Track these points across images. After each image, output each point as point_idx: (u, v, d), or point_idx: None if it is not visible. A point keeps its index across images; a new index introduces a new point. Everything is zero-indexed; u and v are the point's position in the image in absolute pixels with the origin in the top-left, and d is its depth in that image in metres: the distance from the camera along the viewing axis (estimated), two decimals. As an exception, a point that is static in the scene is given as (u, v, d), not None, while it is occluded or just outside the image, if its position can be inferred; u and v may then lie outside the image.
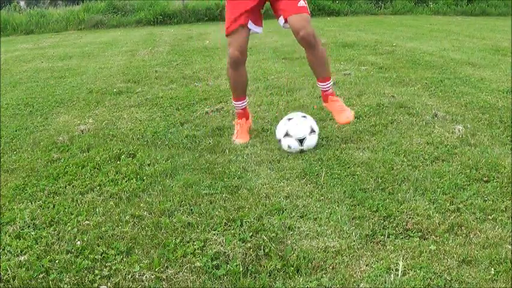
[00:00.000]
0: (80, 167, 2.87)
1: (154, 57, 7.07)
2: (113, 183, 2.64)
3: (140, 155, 3.00)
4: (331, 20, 12.88)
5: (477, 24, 11.19)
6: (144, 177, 2.68)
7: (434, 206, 2.28)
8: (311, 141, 2.98)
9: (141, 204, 2.38)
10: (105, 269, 1.87)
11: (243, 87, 3.28)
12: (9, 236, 2.14)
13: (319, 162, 2.81)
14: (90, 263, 1.91)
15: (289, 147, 2.96)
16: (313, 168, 2.73)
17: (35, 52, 8.36)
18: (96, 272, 1.86)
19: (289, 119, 3.03)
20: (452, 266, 1.84)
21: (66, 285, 1.80)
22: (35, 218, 2.28)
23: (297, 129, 2.95)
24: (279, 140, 3.01)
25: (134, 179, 2.66)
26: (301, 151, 2.96)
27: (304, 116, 3.07)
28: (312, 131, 2.98)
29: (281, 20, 3.04)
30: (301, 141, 2.93)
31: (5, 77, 5.95)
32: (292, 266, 1.86)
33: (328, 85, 3.20)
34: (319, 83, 3.22)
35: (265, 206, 2.32)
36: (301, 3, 3.00)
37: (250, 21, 3.04)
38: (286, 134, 2.95)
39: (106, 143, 3.28)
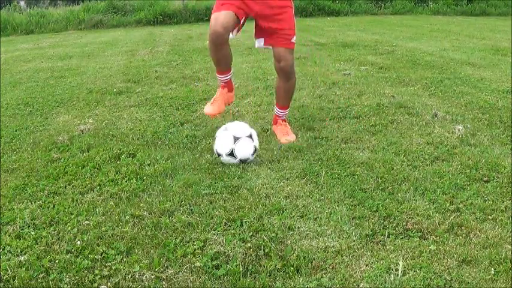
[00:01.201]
0: (80, 167, 2.87)
1: (154, 57, 7.07)
2: (113, 183, 2.64)
3: (140, 155, 3.00)
4: (331, 20, 12.88)
5: (477, 24, 11.20)
6: (144, 177, 2.68)
7: (434, 206, 2.28)
8: (252, 159, 2.90)
9: (141, 204, 2.38)
10: (105, 269, 1.87)
11: (227, 62, 3.11)
12: (9, 236, 2.14)
13: (319, 162, 2.81)
14: (90, 263, 1.91)
15: (228, 162, 2.86)
16: (313, 168, 2.73)
17: (35, 52, 8.36)
18: (96, 272, 1.86)
19: (236, 139, 2.84)
20: (452, 266, 1.84)
21: (66, 285, 1.80)
22: (35, 218, 2.28)
23: (242, 151, 2.84)
24: (219, 155, 2.87)
25: (134, 179, 2.66)
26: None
27: (250, 135, 2.90)
28: (254, 151, 2.88)
29: (261, 42, 3.04)
30: (243, 161, 2.85)
31: (5, 77, 5.95)
32: (292, 266, 1.86)
33: (284, 113, 3.31)
34: (277, 109, 3.31)
35: (265, 206, 2.32)
36: (294, 39, 3.03)
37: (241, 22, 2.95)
38: (231, 154, 2.83)
39: (106, 143, 3.28)
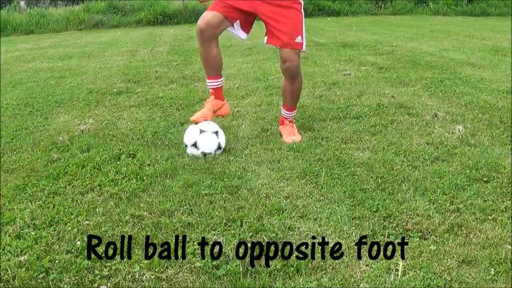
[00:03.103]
0: (80, 167, 2.86)
1: (154, 57, 7.07)
2: (113, 183, 2.64)
3: (140, 155, 3.00)
4: (331, 20, 12.89)
5: (477, 24, 11.20)
6: (144, 177, 2.68)
7: (434, 206, 2.28)
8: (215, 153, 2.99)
9: (141, 204, 2.38)
10: (105, 269, 1.87)
11: (215, 65, 3.11)
12: (9, 236, 2.14)
13: (319, 162, 2.81)
14: (90, 263, 1.91)
15: (192, 154, 2.98)
16: (313, 168, 2.73)
17: (35, 52, 8.35)
18: (96, 272, 1.86)
19: (202, 132, 2.98)
20: (452, 266, 1.84)
21: (66, 285, 1.80)
22: (35, 218, 2.28)
23: (205, 144, 2.96)
24: (186, 145, 3.01)
25: (134, 179, 2.66)
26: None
27: (216, 132, 3.01)
28: (219, 148, 3.00)
29: (266, 39, 3.08)
30: (205, 155, 2.95)
31: (5, 77, 5.95)
32: (292, 266, 1.86)
33: (291, 114, 3.33)
34: (284, 110, 3.33)
35: (265, 206, 2.32)
36: (299, 39, 3.01)
37: (237, 22, 3.05)
38: (194, 145, 2.97)
39: (106, 143, 3.28)
